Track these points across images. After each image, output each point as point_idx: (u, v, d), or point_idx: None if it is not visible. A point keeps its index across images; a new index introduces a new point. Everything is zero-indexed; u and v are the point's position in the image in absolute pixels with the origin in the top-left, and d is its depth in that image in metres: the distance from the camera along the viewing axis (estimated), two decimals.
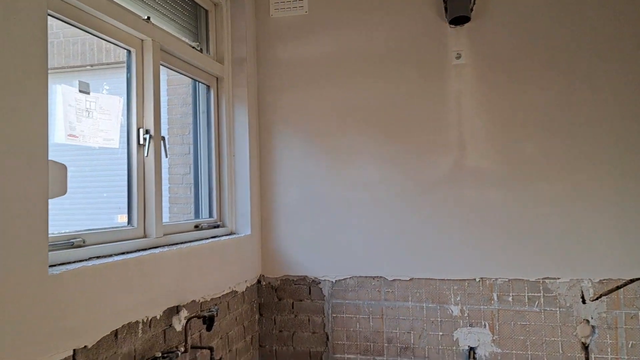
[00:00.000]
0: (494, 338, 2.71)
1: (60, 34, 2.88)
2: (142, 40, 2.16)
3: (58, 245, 1.65)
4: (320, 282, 2.93)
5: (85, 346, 1.56)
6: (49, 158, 1.47)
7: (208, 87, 2.82)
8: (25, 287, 1.35)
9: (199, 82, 2.77)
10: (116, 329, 1.71)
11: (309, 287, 2.94)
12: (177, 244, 2.28)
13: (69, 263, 1.63)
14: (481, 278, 2.74)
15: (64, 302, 1.48)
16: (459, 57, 2.79)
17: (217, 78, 2.85)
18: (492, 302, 2.72)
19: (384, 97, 2.89)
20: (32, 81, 1.41)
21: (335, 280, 2.90)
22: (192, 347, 2.13)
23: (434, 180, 2.81)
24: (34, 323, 1.37)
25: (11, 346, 1.30)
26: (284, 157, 3.00)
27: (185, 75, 2.60)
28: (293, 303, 2.96)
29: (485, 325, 2.72)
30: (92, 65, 2.94)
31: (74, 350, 1.52)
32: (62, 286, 1.48)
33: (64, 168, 1.59)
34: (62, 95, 1.75)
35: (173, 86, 3.05)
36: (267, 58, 3.05)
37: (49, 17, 1.68)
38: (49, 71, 1.51)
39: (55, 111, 1.54)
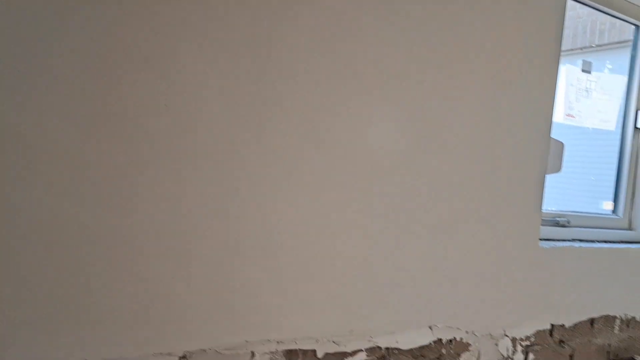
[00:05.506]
0: None
1: None
2: None
3: (545, 221, 1.71)
4: None
5: (562, 325, 1.57)
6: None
7: None
8: (517, 256, 1.46)
9: None
10: (592, 318, 1.64)
11: None
12: None
13: (553, 240, 1.67)
14: None
15: (548, 277, 1.53)
16: None
17: None
18: None
19: None
20: (545, 61, 1.47)
21: None
22: None
23: None
24: (521, 291, 1.47)
25: (503, 308, 1.44)
26: None
27: None
28: None
29: None
30: (581, 49, 2.86)
31: (552, 324, 1.55)
32: (549, 261, 1.53)
33: (561, 146, 1.61)
34: (564, 75, 1.76)
35: None
36: None
37: None
38: None
39: (556, 90, 1.57)
